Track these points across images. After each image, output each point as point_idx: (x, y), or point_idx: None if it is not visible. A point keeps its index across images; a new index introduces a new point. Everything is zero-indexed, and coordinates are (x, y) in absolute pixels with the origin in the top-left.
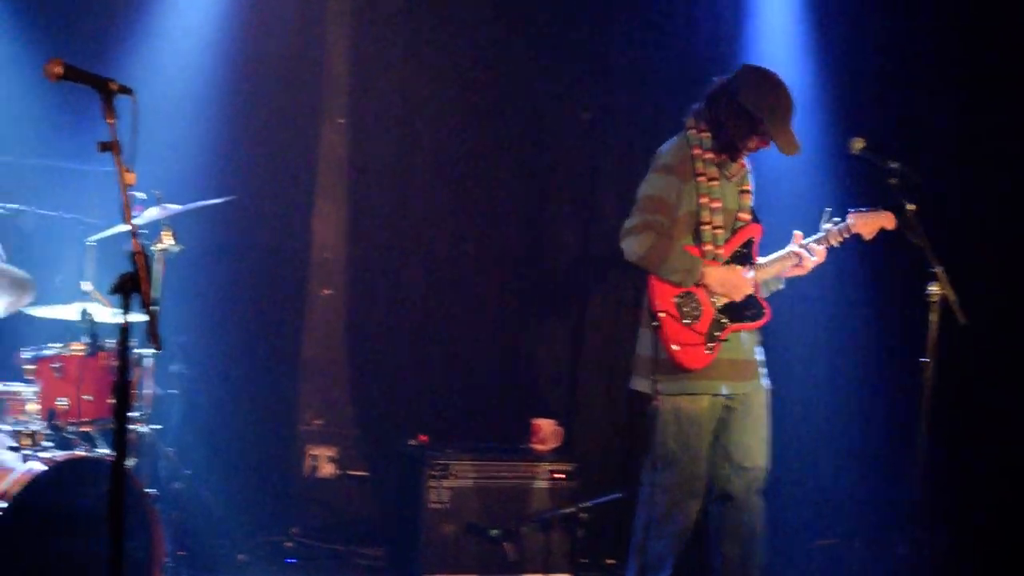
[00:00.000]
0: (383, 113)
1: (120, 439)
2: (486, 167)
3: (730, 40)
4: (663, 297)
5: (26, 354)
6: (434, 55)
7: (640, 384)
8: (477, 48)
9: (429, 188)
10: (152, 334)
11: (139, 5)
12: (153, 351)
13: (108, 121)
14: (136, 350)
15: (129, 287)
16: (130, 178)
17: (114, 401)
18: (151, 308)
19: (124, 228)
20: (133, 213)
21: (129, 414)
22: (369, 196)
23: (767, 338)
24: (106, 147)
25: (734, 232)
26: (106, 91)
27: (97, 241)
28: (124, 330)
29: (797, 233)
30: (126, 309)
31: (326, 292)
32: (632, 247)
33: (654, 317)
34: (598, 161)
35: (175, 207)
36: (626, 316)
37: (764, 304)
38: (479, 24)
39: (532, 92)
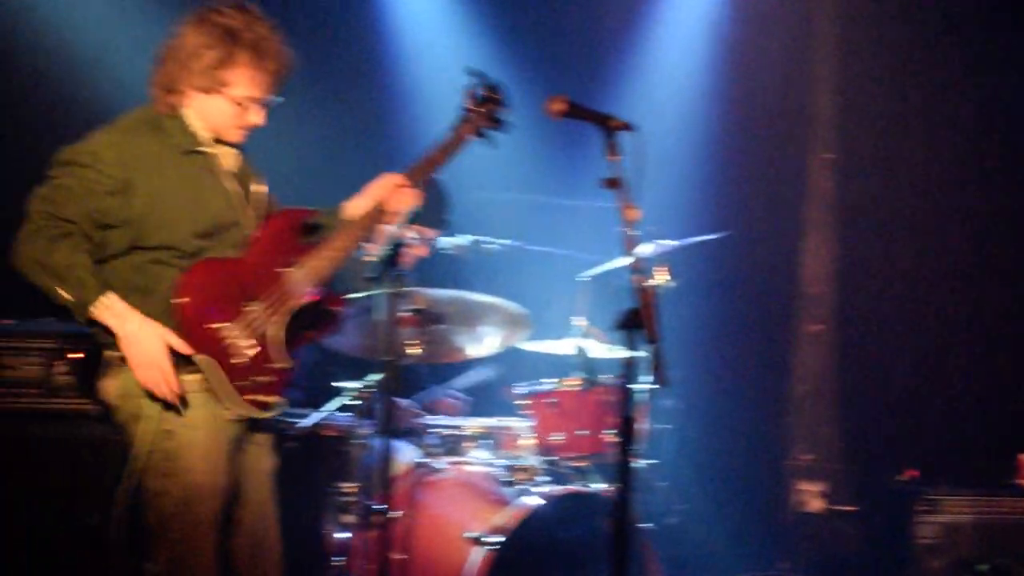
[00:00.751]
0: (870, 147)
1: (624, 474)
2: (971, 198)
3: None
4: None
5: (520, 389)
6: (921, 88)
7: None
8: (964, 82)
9: (917, 221)
10: (657, 370)
11: (633, 45)
12: (650, 386)
13: (611, 158)
14: (634, 385)
15: (634, 323)
16: (633, 214)
17: (616, 436)
18: (656, 344)
19: (618, 263)
20: (631, 249)
21: (631, 449)
22: (857, 231)
23: None
24: (610, 184)
25: None
26: (609, 128)
27: (590, 277)
28: (629, 365)
29: None
30: (631, 345)
31: (815, 328)
32: None
33: None
34: None
35: (670, 242)
36: None
37: None
38: (961, 57)
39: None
